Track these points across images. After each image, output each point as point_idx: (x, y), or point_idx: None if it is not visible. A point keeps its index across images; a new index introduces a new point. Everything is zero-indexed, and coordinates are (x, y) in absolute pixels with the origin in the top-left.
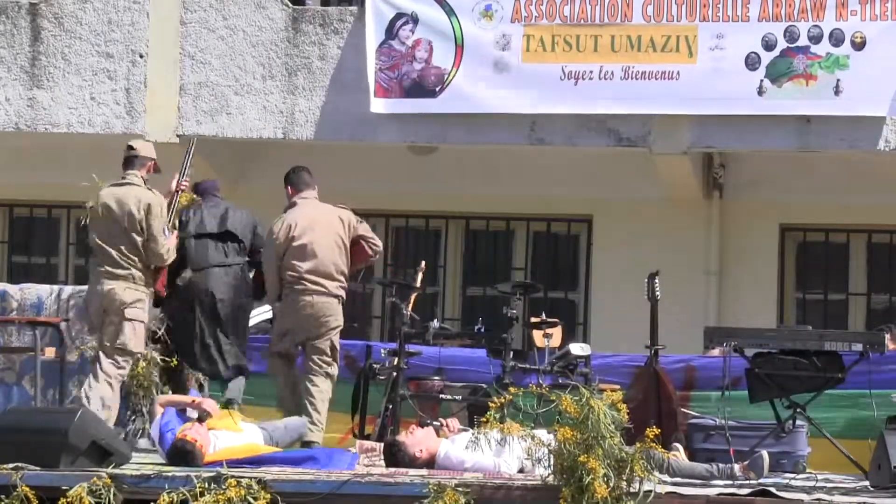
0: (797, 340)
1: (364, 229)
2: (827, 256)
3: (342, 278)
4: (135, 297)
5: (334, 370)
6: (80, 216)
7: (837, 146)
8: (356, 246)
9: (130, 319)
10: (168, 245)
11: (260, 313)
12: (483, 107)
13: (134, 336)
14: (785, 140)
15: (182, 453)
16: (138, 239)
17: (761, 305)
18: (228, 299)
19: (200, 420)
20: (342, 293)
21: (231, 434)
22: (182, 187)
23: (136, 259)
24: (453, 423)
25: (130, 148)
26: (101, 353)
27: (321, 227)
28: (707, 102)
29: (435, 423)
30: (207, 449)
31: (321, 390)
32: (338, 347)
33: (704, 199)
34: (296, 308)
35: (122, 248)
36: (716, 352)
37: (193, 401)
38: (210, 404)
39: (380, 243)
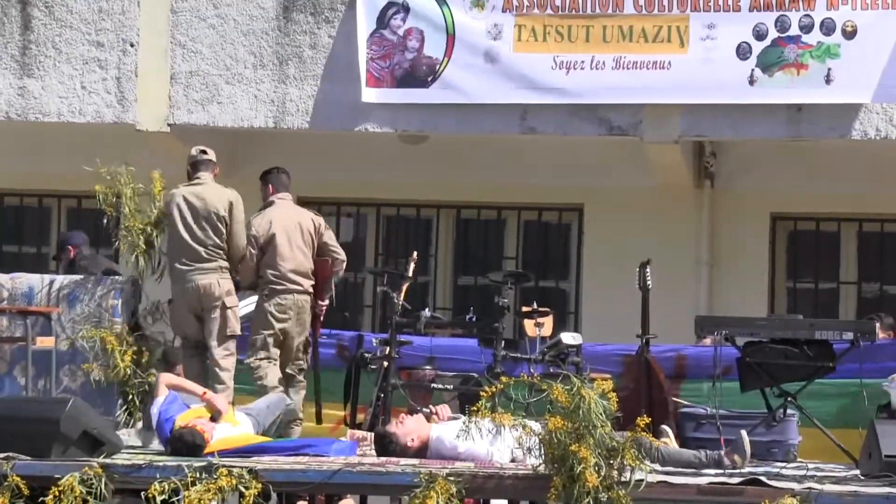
0: (788, 329)
1: (329, 237)
2: (818, 245)
3: (313, 278)
4: (228, 287)
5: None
6: (70, 206)
7: (828, 135)
8: (317, 260)
9: (230, 307)
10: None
11: (247, 304)
12: (474, 97)
13: (236, 321)
14: (776, 129)
15: (191, 446)
16: (223, 232)
17: (752, 294)
18: None
19: (213, 420)
20: (312, 291)
21: (228, 426)
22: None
23: (221, 252)
24: (443, 410)
25: (203, 152)
26: (211, 345)
27: (298, 228)
28: (698, 92)
29: (425, 409)
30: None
31: (303, 386)
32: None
33: (695, 188)
34: (287, 309)
35: (209, 243)
36: (707, 341)
37: (204, 393)
38: (222, 404)
39: (343, 255)
